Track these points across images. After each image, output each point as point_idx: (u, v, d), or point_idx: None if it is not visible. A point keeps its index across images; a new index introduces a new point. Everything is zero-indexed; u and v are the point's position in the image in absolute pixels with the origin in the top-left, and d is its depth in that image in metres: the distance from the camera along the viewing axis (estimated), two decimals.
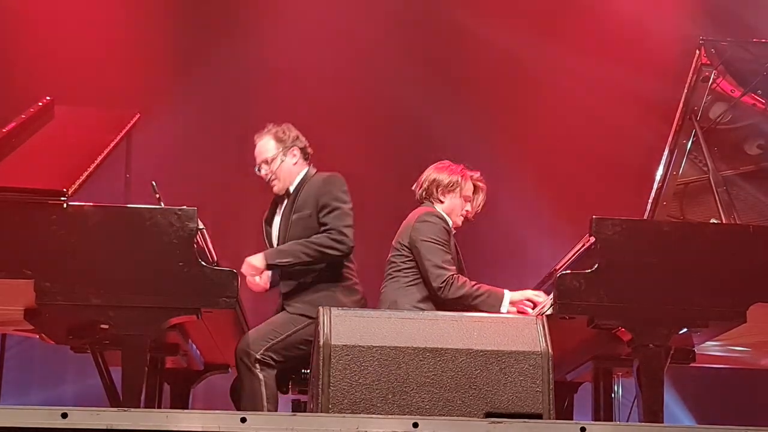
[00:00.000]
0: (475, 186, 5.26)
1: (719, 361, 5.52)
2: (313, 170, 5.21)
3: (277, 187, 5.20)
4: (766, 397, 7.76)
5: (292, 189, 5.18)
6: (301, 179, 5.17)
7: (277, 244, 5.15)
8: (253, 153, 5.23)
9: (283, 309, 5.07)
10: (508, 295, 4.91)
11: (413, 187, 5.31)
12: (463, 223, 5.29)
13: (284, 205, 5.19)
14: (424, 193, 5.24)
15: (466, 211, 5.25)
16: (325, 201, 5.03)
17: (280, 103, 8.24)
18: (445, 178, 5.21)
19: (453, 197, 5.20)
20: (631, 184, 7.44)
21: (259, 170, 5.21)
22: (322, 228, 5.00)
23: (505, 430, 3.73)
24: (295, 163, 5.18)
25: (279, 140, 5.18)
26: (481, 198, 5.29)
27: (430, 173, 5.26)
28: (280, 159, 5.15)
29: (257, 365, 4.84)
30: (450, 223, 5.17)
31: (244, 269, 4.93)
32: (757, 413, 7.79)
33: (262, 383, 4.82)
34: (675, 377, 7.31)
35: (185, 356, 5.30)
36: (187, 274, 4.32)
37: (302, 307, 4.96)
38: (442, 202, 5.20)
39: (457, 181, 5.20)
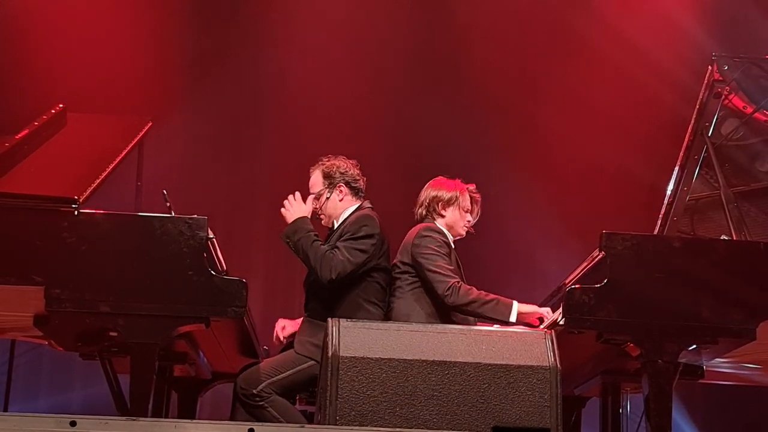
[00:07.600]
0: (471, 198, 5.30)
1: (728, 378, 5.50)
2: (367, 204, 5.17)
3: (324, 221, 5.19)
4: None
5: (335, 225, 5.14)
6: (347, 216, 5.11)
7: (305, 280, 5.13)
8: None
9: (291, 346, 5.01)
10: (516, 306, 4.91)
11: (415, 210, 5.32)
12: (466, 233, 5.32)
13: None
14: (424, 211, 5.27)
15: (468, 221, 5.27)
16: (346, 233, 4.97)
17: (293, 113, 8.26)
18: (444, 194, 5.24)
19: (453, 210, 5.23)
20: (642, 200, 7.44)
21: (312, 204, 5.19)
22: (335, 246, 4.92)
23: None
24: (342, 200, 5.13)
25: (326, 176, 5.15)
26: (476, 210, 5.33)
27: (429, 191, 5.29)
28: (326, 196, 5.13)
29: (256, 399, 4.78)
30: (450, 237, 5.19)
31: (289, 200, 4.95)
32: (765, 431, 7.76)
33: (268, 409, 4.75)
34: (683, 393, 7.29)
35: (193, 365, 5.30)
36: (197, 283, 4.33)
37: (312, 349, 4.85)
38: (443, 216, 5.22)
39: (457, 195, 5.24)
